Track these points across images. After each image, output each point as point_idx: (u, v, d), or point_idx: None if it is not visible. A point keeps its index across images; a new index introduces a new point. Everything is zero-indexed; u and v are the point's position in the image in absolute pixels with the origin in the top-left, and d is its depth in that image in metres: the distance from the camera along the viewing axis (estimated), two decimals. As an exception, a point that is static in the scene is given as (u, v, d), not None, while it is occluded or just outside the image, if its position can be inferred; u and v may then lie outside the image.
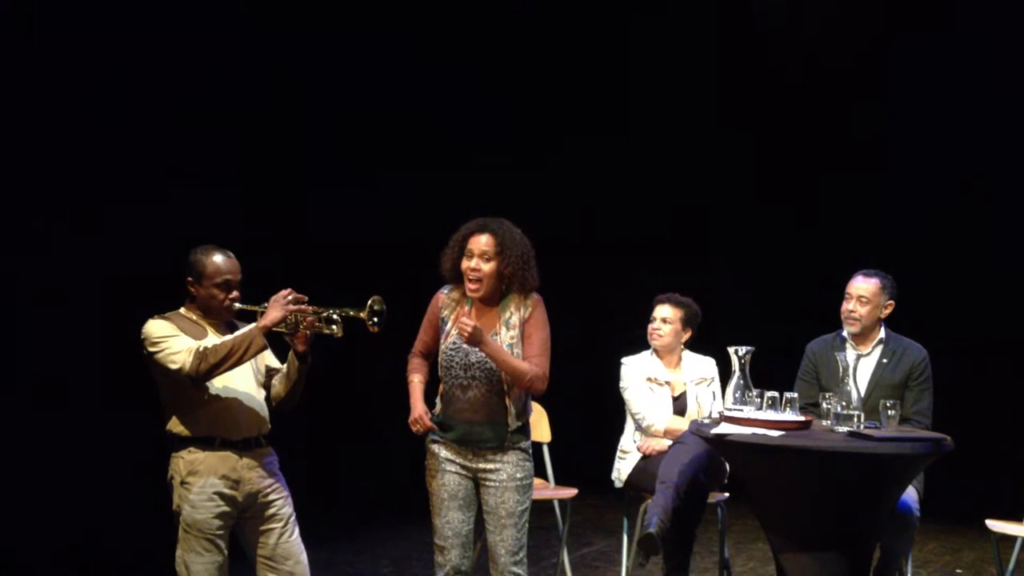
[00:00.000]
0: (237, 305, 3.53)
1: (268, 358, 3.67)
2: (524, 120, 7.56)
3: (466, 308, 3.67)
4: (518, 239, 3.64)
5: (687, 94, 7.63)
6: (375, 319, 3.46)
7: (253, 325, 3.42)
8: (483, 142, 7.29)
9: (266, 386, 3.65)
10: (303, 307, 3.45)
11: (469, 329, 3.47)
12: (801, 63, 7.17)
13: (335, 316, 3.49)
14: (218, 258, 3.51)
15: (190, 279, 3.51)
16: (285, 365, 3.65)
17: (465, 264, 3.62)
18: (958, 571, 5.68)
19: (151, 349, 3.41)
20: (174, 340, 3.40)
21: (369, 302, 3.47)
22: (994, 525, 4.45)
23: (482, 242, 3.60)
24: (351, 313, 3.47)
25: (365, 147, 6.89)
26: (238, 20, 6.09)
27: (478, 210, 3.74)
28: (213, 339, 3.46)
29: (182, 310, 3.56)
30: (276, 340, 3.55)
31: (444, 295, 3.73)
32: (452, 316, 3.67)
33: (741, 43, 7.31)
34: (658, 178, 7.75)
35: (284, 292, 3.45)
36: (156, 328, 3.43)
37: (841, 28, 7.04)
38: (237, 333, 3.42)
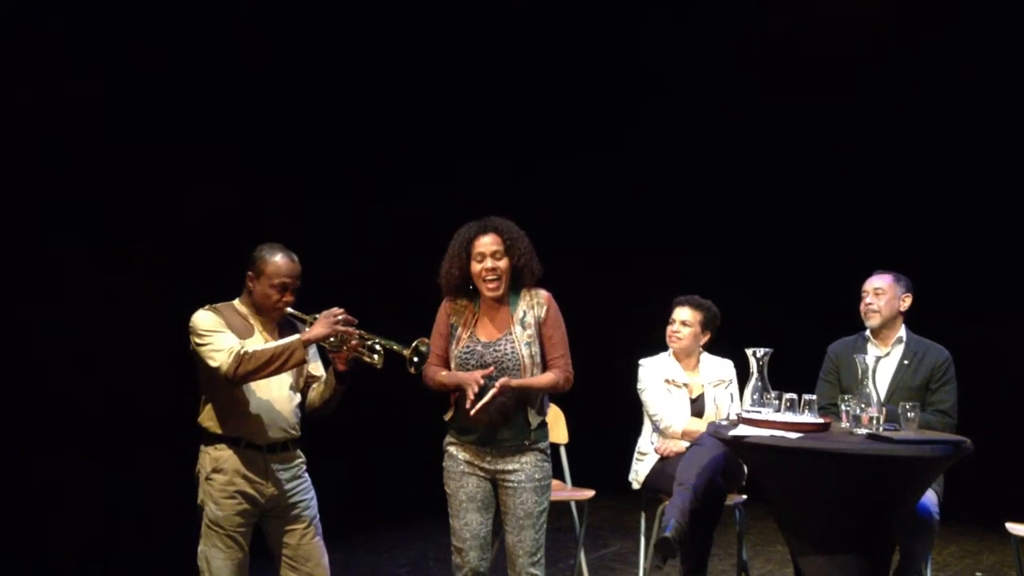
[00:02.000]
0: (289, 310, 3.55)
1: (311, 365, 3.69)
2: (540, 126, 7.59)
3: (474, 312, 3.67)
4: (519, 232, 3.66)
5: (703, 94, 7.64)
6: (416, 359, 3.47)
7: (296, 337, 3.43)
8: (501, 149, 7.32)
9: (303, 392, 3.67)
10: (350, 329, 3.45)
11: (495, 394, 3.46)
12: (816, 59, 7.15)
13: (378, 346, 3.49)
14: (280, 259, 3.51)
15: (250, 273, 3.53)
16: (324, 378, 3.66)
17: (478, 267, 3.61)
18: (978, 574, 5.65)
19: (196, 341, 3.43)
20: (218, 336, 3.41)
21: (415, 343, 3.48)
22: (1014, 528, 4.42)
23: (488, 242, 3.60)
24: (395, 347, 3.48)
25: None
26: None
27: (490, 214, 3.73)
28: (257, 341, 3.48)
29: (236, 302, 3.58)
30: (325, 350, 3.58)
31: (450, 302, 3.72)
32: (461, 321, 3.67)
33: (755, 44, 7.30)
34: (677, 179, 7.74)
35: (336, 310, 3.45)
36: (203, 321, 3.45)
37: (851, 28, 7.04)
38: (280, 342, 3.42)
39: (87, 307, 5.50)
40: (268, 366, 3.37)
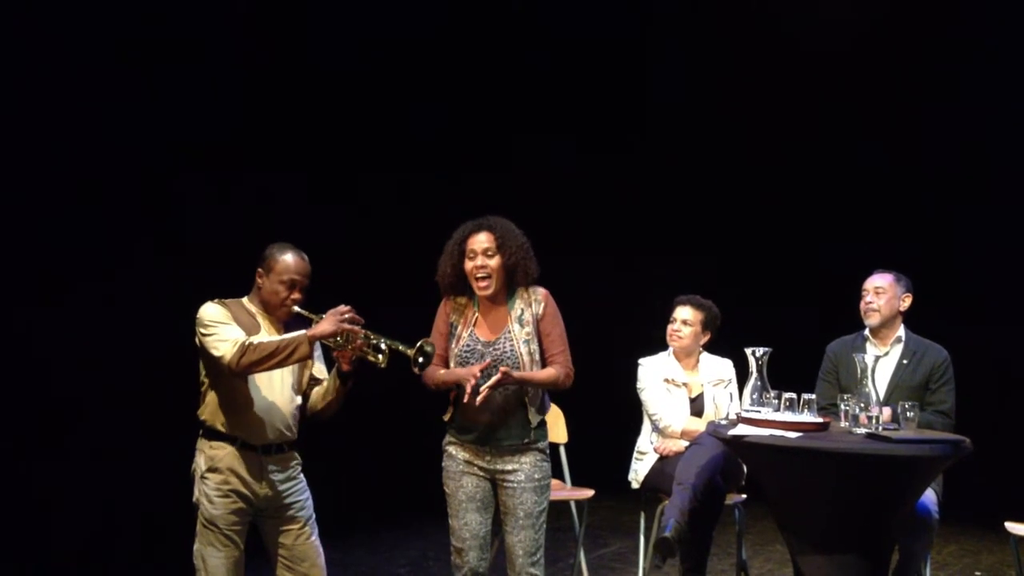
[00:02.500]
0: (296, 308, 3.55)
1: (315, 367, 3.69)
2: (539, 127, 7.60)
3: (473, 311, 3.67)
4: (514, 231, 3.65)
5: (702, 96, 7.65)
6: (421, 359, 3.45)
7: (303, 332, 3.42)
8: (503, 147, 7.33)
9: (305, 394, 3.67)
10: (356, 328, 3.45)
11: (501, 378, 3.46)
12: (815, 59, 7.14)
13: (383, 346, 3.49)
14: (290, 256, 3.53)
15: (260, 270, 3.55)
16: (327, 380, 3.66)
17: (469, 265, 3.61)
18: (977, 573, 5.65)
19: (201, 331, 3.44)
20: (224, 328, 3.42)
21: (420, 343, 3.47)
22: (1013, 527, 4.42)
23: (482, 240, 3.60)
24: (400, 347, 3.47)
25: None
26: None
27: (493, 213, 3.73)
28: (263, 336, 3.48)
29: (244, 299, 3.59)
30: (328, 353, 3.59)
31: (450, 300, 3.72)
32: (461, 320, 3.67)
33: (754, 43, 7.30)
34: (675, 179, 7.74)
35: (342, 308, 3.45)
36: (210, 313, 3.46)
37: (850, 28, 7.04)
38: (285, 336, 3.43)
39: (87, 307, 5.50)
40: (272, 358, 3.36)
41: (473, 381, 3.48)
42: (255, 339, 3.41)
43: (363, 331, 3.47)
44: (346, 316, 3.43)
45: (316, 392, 3.67)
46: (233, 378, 3.43)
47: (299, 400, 3.65)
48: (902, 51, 7.03)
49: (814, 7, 7.07)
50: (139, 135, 5.73)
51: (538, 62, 7.44)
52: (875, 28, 6.99)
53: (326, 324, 3.43)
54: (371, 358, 3.51)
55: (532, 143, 7.47)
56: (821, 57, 7.08)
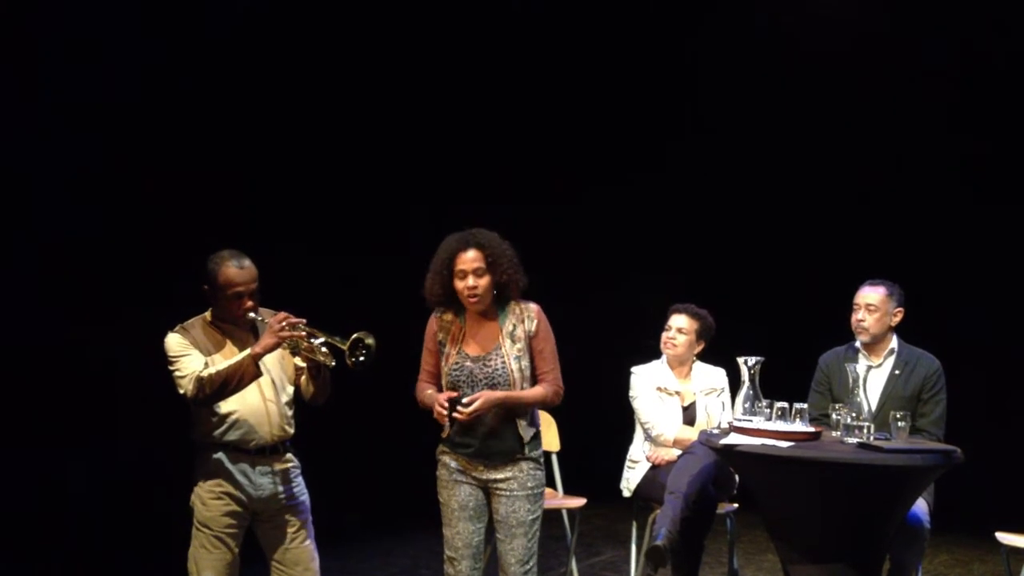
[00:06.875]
0: (251, 315, 3.51)
1: (296, 358, 3.64)
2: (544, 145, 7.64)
3: (460, 327, 3.64)
4: (502, 245, 3.60)
5: (692, 100, 7.67)
6: (357, 354, 3.36)
7: (247, 352, 3.39)
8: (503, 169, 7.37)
9: (297, 383, 3.65)
10: (295, 333, 3.41)
11: (478, 408, 3.46)
12: (803, 68, 7.17)
13: (321, 344, 3.44)
14: (230, 269, 3.44)
15: (206, 287, 3.49)
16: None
17: (460, 284, 3.56)
18: (968, 583, 5.67)
19: (168, 365, 3.45)
20: (184, 360, 3.41)
21: (356, 335, 3.38)
22: (1004, 538, 4.43)
23: (470, 258, 3.55)
24: (334, 341, 3.40)
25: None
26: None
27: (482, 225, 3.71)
28: (229, 353, 3.46)
29: (207, 314, 3.56)
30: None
31: (437, 318, 3.70)
32: (448, 338, 3.65)
33: (743, 54, 7.33)
34: (672, 184, 7.75)
35: (279, 316, 3.41)
36: (171, 344, 3.46)
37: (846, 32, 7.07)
38: (231, 361, 3.39)
39: (87, 307, 5.50)
40: (226, 386, 3.36)
41: (441, 411, 3.49)
42: (207, 371, 3.37)
43: (305, 332, 3.42)
44: (284, 324, 3.39)
45: (304, 379, 3.65)
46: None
47: (289, 394, 3.62)
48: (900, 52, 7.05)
49: (802, 23, 7.09)
50: (137, 137, 5.74)
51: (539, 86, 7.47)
52: (872, 30, 7.00)
53: (266, 339, 3.39)
54: (320, 357, 3.46)
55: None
56: (801, 65, 7.10)
